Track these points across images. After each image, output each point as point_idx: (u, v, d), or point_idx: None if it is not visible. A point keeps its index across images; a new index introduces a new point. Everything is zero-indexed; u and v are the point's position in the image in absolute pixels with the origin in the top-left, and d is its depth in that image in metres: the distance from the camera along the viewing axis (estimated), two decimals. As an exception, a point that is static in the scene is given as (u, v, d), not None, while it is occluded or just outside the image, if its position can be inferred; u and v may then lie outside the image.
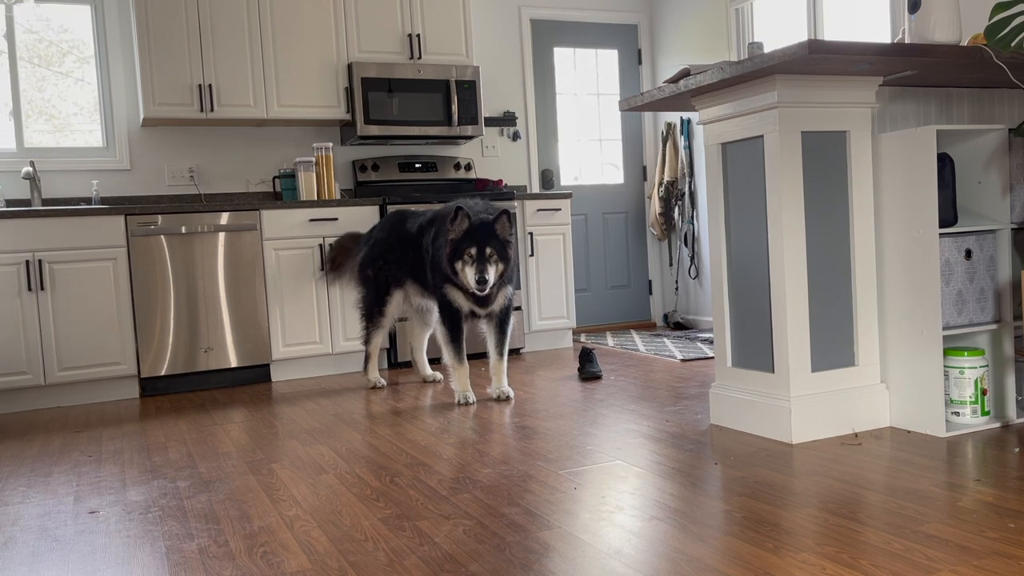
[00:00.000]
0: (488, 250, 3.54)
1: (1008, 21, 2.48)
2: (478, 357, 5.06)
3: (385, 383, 4.41)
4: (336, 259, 4.50)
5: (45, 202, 4.76)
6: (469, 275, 3.54)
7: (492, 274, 3.55)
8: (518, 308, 5.21)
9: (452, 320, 3.79)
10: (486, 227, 3.58)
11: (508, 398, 3.81)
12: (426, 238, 3.93)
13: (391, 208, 4.87)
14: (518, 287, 5.19)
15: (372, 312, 4.28)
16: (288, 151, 5.34)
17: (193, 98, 4.80)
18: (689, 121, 6.01)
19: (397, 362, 5.00)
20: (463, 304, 3.76)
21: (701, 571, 1.78)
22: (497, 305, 3.79)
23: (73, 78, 5.00)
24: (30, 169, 4.57)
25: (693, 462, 2.63)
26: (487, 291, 3.56)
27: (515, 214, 3.64)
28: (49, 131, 4.94)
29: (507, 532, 2.09)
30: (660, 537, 2.00)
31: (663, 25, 6.29)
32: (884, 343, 2.93)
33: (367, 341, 4.35)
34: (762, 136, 2.83)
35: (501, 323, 3.85)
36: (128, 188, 5.00)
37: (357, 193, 5.42)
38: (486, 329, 3.88)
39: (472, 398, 3.77)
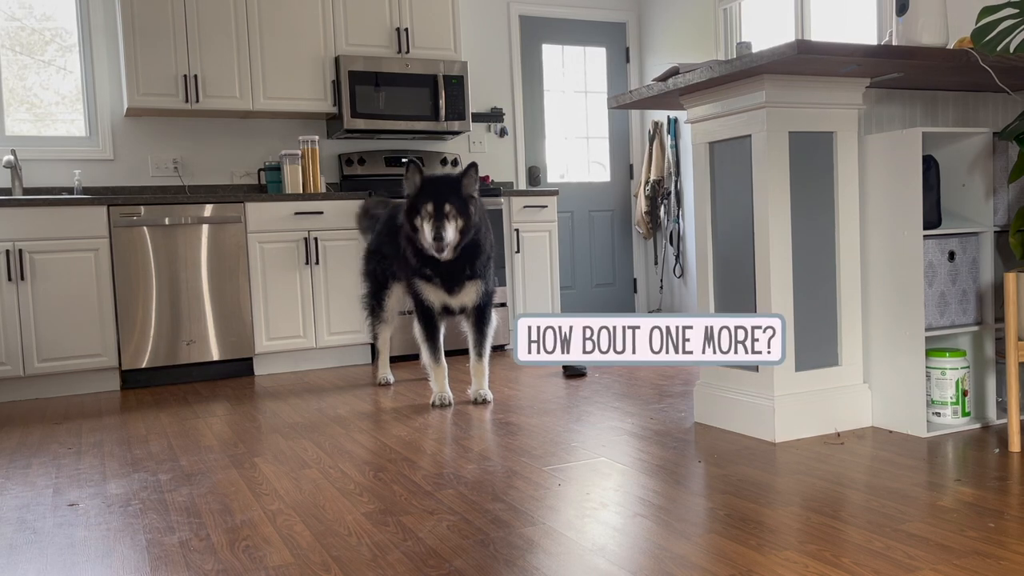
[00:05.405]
0: (447, 206, 3.29)
1: (995, 24, 2.50)
2: (463, 353, 5.04)
3: (393, 380, 4.28)
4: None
5: (27, 191, 4.70)
6: (426, 231, 3.31)
7: (451, 232, 3.31)
8: (503, 304, 5.20)
9: (426, 317, 3.66)
10: (448, 181, 3.37)
11: (486, 401, 3.65)
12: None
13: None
14: (501, 284, 5.19)
15: (373, 307, 4.20)
16: (273, 144, 5.31)
17: (178, 89, 4.76)
18: (676, 120, 6.02)
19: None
20: (434, 299, 3.61)
21: (684, 568, 1.79)
22: (469, 298, 3.61)
23: (56, 67, 4.94)
24: (11, 158, 4.51)
25: (677, 459, 2.64)
26: (445, 248, 3.33)
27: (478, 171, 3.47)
28: (31, 120, 4.88)
29: (491, 528, 2.08)
30: (644, 534, 2.00)
31: (651, 24, 6.30)
32: (867, 343, 2.94)
33: (374, 337, 4.29)
34: (750, 136, 2.84)
35: (478, 321, 3.68)
36: (111, 179, 4.95)
37: (343, 187, 5.39)
38: (465, 328, 3.74)
39: (449, 399, 3.65)
